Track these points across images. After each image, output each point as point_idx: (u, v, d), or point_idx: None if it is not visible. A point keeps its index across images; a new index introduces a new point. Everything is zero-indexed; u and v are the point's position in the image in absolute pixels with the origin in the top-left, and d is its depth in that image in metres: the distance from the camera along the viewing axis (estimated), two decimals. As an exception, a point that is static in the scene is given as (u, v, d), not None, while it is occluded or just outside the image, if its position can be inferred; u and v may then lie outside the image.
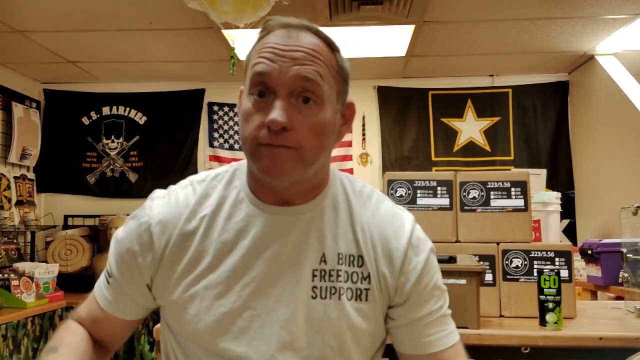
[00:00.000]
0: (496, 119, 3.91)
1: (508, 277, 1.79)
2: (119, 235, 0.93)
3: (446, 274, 1.57)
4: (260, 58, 0.81)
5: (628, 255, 1.97)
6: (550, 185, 3.58)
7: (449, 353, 0.90)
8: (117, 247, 0.92)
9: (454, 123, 3.94)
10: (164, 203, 0.91)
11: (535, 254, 1.79)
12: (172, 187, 0.95)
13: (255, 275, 0.85)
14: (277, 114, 0.78)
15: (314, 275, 0.86)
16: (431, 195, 1.87)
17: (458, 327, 0.95)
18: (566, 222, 3.74)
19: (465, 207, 1.86)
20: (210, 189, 0.91)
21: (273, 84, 0.80)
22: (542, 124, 3.88)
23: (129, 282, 0.91)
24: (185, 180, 0.96)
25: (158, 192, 0.94)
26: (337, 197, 0.91)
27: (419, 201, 1.87)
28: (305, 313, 0.85)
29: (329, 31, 0.88)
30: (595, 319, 1.79)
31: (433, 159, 3.92)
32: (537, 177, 3.45)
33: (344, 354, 0.86)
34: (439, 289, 0.92)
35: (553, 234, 2.62)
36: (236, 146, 4.03)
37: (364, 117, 3.97)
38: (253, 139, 0.81)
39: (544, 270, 1.57)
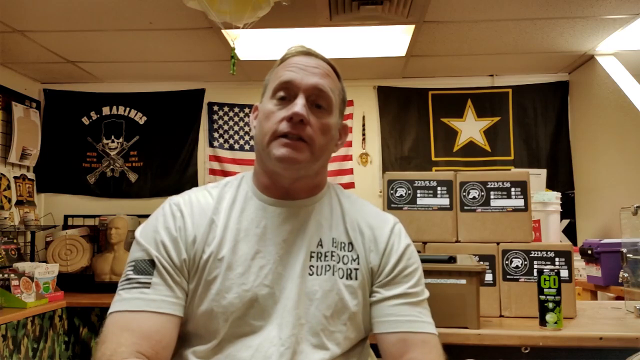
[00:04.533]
0: (496, 119, 3.91)
1: (508, 277, 1.79)
2: (146, 228, 0.98)
3: (446, 274, 1.57)
4: (286, 72, 1.00)
5: (628, 255, 1.97)
6: (550, 185, 3.58)
7: (419, 338, 0.97)
8: (149, 234, 0.96)
9: (454, 123, 3.94)
10: (185, 200, 1.02)
11: (535, 254, 1.79)
12: (186, 192, 1.06)
13: (269, 258, 0.98)
14: (299, 107, 0.96)
15: (311, 256, 1.00)
16: (431, 195, 1.87)
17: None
18: (566, 222, 3.74)
19: (465, 207, 1.86)
20: (224, 193, 1.05)
21: (295, 89, 0.99)
22: (542, 124, 3.88)
23: (174, 264, 0.94)
24: (199, 187, 1.09)
25: (174, 196, 1.05)
26: (332, 198, 1.09)
27: (419, 201, 1.87)
28: (303, 287, 0.97)
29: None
30: (595, 319, 1.79)
31: (433, 159, 3.92)
32: (537, 177, 3.46)
33: (337, 323, 0.97)
34: (415, 276, 1.03)
35: (553, 234, 2.62)
36: (236, 146, 4.03)
37: (364, 117, 3.97)
38: (273, 132, 0.97)
39: (544, 270, 1.57)
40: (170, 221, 0.98)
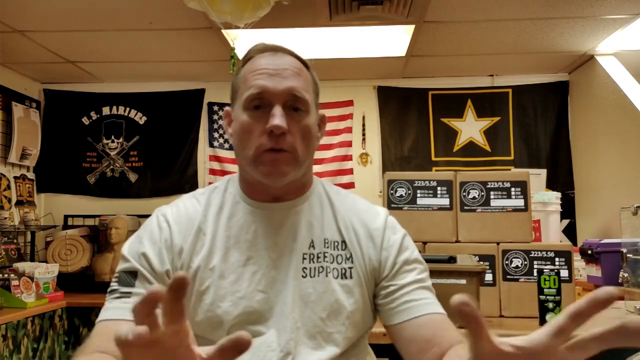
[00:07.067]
0: (496, 119, 3.91)
1: (508, 277, 1.79)
2: (132, 241, 0.99)
3: (446, 274, 1.57)
4: (256, 80, 0.95)
5: (628, 255, 1.97)
6: (550, 185, 3.59)
7: (436, 318, 0.96)
8: (134, 247, 0.97)
9: (454, 123, 3.94)
10: (173, 210, 1.02)
11: (535, 254, 1.79)
12: (175, 201, 1.06)
13: (261, 263, 0.97)
14: (278, 120, 0.92)
15: (303, 258, 0.99)
16: (431, 195, 1.87)
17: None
18: (566, 222, 3.74)
19: (465, 207, 1.86)
20: (211, 199, 1.04)
21: (270, 97, 0.94)
22: (542, 124, 3.88)
23: (156, 274, 0.94)
24: (188, 194, 1.08)
25: (163, 206, 1.05)
26: (321, 195, 1.07)
27: (419, 201, 1.87)
28: (297, 290, 0.96)
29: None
30: (595, 319, 1.79)
31: (433, 159, 3.91)
32: (537, 177, 3.46)
33: (335, 324, 0.96)
34: (420, 263, 1.04)
35: (553, 234, 2.63)
36: (236, 146, 4.03)
37: (364, 117, 3.97)
38: (257, 147, 0.94)
39: (544, 270, 1.57)
40: (156, 233, 0.98)
